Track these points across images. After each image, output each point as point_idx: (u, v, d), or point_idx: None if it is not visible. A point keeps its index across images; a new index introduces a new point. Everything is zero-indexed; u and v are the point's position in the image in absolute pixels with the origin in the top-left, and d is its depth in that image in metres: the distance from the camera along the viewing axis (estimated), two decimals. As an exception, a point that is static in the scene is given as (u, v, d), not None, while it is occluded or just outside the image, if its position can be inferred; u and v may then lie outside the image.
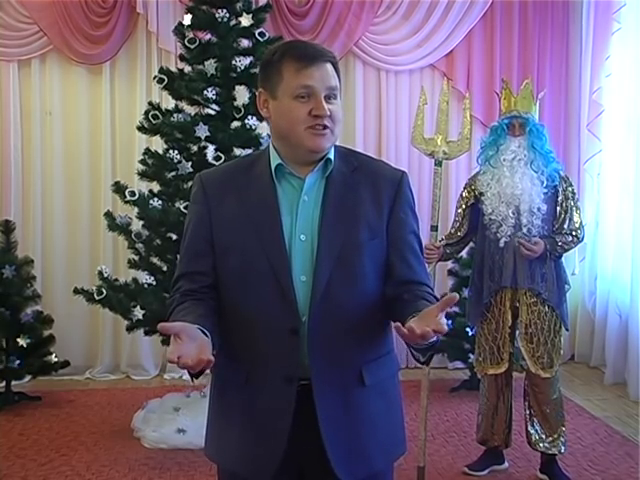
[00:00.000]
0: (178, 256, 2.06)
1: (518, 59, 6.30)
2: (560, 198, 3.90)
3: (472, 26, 6.22)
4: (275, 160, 1.93)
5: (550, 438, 3.98)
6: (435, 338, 1.75)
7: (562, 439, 3.99)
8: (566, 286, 4.01)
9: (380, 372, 1.98)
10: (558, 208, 3.90)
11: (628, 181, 5.86)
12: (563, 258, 4.03)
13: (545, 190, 3.86)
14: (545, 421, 3.98)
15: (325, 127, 1.87)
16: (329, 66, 1.90)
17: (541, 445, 3.99)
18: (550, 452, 3.99)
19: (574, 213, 3.91)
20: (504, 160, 3.90)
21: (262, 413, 1.91)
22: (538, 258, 3.83)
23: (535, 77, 6.22)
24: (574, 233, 3.89)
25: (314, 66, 1.86)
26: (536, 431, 4.00)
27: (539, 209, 3.84)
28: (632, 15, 5.81)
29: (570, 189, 3.92)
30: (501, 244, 3.89)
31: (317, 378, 1.88)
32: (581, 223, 3.94)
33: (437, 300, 1.92)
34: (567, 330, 4.07)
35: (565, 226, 3.89)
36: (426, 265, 2.08)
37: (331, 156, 1.94)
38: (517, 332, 3.99)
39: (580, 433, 4.72)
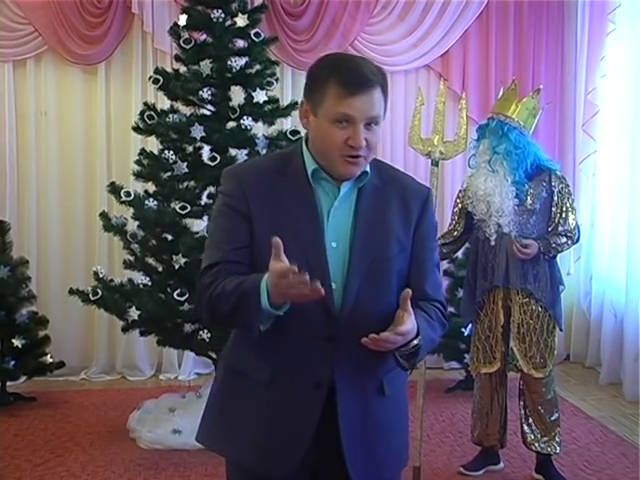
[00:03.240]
0: (205, 247, 1.99)
1: (513, 59, 6.30)
2: (555, 198, 3.89)
3: (467, 26, 6.23)
4: (311, 164, 1.93)
5: (545, 438, 3.98)
6: (416, 342, 1.83)
7: (557, 439, 4.00)
8: (560, 287, 4.01)
9: (396, 382, 2.01)
10: (553, 208, 3.90)
11: (623, 181, 5.88)
12: (558, 258, 4.03)
13: (513, 188, 3.86)
14: (540, 421, 3.98)
15: (359, 156, 1.86)
16: (375, 92, 1.85)
17: (536, 445, 4.00)
18: (545, 452, 4.00)
19: (569, 214, 3.90)
20: (475, 162, 3.98)
21: (287, 413, 1.91)
22: (531, 258, 3.84)
23: (530, 77, 6.25)
24: (569, 234, 3.89)
25: (358, 95, 1.82)
26: (532, 431, 4.00)
27: (508, 208, 3.84)
28: (627, 16, 5.82)
29: (566, 190, 3.92)
30: (492, 243, 3.90)
31: (342, 386, 1.90)
32: (576, 224, 3.94)
33: (443, 315, 2.00)
34: (561, 330, 4.07)
35: (560, 227, 3.88)
36: (441, 278, 2.09)
37: (367, 169, 1.94)
38: (510, 332, 4.00)
39: (575, 433, 4.73)
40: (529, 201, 3.88)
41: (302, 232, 1.88)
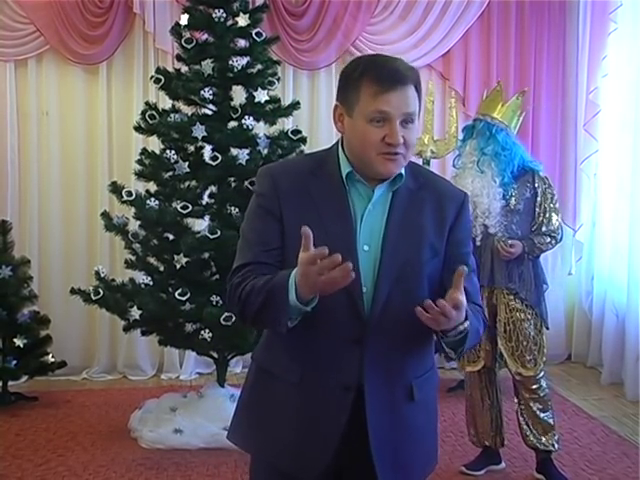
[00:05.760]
0: (239, 246, 1.99)
1: (515, 59, 6.30)
2: (539, 199, 3.94)
3: (469, 26, 6.22)
4: (346, 167, 1.92)
5: (544, 437, 3.99)
6: (464, 326, 1.81)
7: (555, 437, 4.00)
8: (544, 286, 4.05)
9: (426, 387, 2.00)
10: (537, 209, 3.95)
11: (624, 181, 5.87)
12: (541, 258, 4.06)
13: (500, 189, 3.88)
14: (535, 418, 3.98)
15: (397, 154, 1.85)
16: (410, 89, 1.85)
17: (534, 442, 4.00)
18: (543, 448, 4.00)
19: (552, 214, 3.95)
20: (462, 163, 3.99)
21: (315, 415, 1.91)
22: (516, 258, 3.88)
23: (532, 77, 6.25)
24: (552, 234, 3.94)
25: (393, 91, 1.82)
26: (528, 428, 4.01)
27: (495, 209, 3.87)
28: (628, 15, 5.82)
29: (549, 190, 3.96)
30: (478, 243, 3.92)
31: (370, 389, 1.90)
32: (560, 224, 4.00)
33: (483, 319, 1.98)
34: (547, 329, 4.08)
35: (543, 227, 3.94)
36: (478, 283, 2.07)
37: (402, 171, 1.93)
38: (497, 331, 4.01)
39: (577, 433, 4.73)
40: (513, 201, 3.93)
41: (334, 234, 1.86)
